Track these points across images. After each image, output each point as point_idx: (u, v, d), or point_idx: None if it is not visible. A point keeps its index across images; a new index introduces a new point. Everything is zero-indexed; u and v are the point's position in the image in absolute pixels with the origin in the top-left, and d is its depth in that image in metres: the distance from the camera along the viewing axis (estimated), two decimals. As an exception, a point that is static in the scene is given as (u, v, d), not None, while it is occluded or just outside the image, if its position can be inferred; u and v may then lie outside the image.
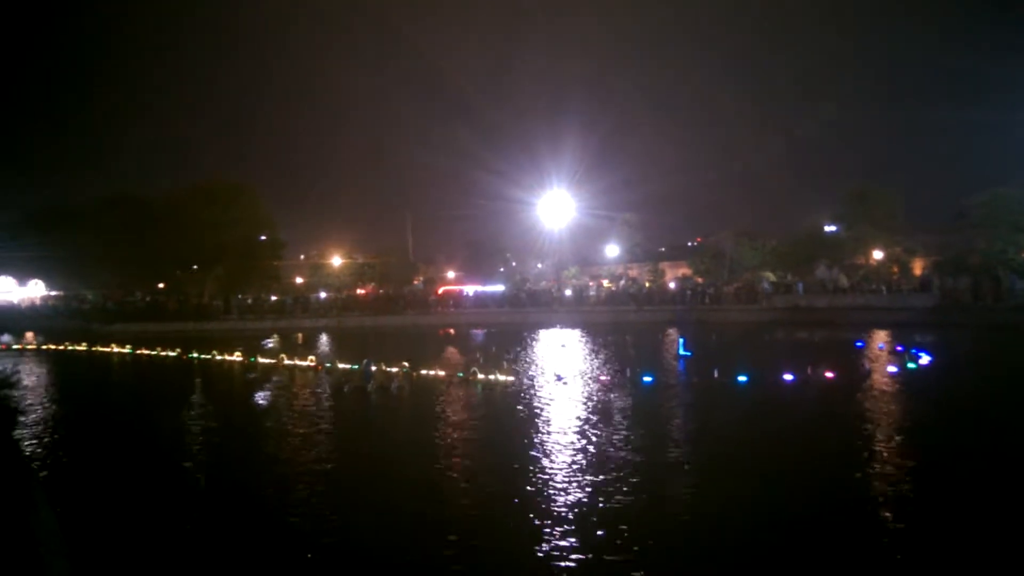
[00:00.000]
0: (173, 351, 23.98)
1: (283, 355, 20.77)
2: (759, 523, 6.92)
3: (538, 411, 12.51)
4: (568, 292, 42.40)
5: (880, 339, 23.98)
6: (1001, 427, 10.76)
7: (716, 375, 15.38)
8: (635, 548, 6.24)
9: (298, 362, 19.85)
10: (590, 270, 56.42)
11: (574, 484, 8.12)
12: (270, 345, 27.53)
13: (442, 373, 16.87)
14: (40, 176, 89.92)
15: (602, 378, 16.01)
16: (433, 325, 36.61)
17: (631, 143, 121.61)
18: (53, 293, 52.82)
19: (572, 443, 10.08)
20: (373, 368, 15.64)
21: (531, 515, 7.11)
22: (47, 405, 14.72)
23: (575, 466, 8.87)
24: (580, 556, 6.10)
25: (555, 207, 49.26)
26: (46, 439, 11.23)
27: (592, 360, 20.30)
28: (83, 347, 26.90)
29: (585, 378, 16.29)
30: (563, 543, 6.38)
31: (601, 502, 7.47)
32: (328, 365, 18.57)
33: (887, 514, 7.05)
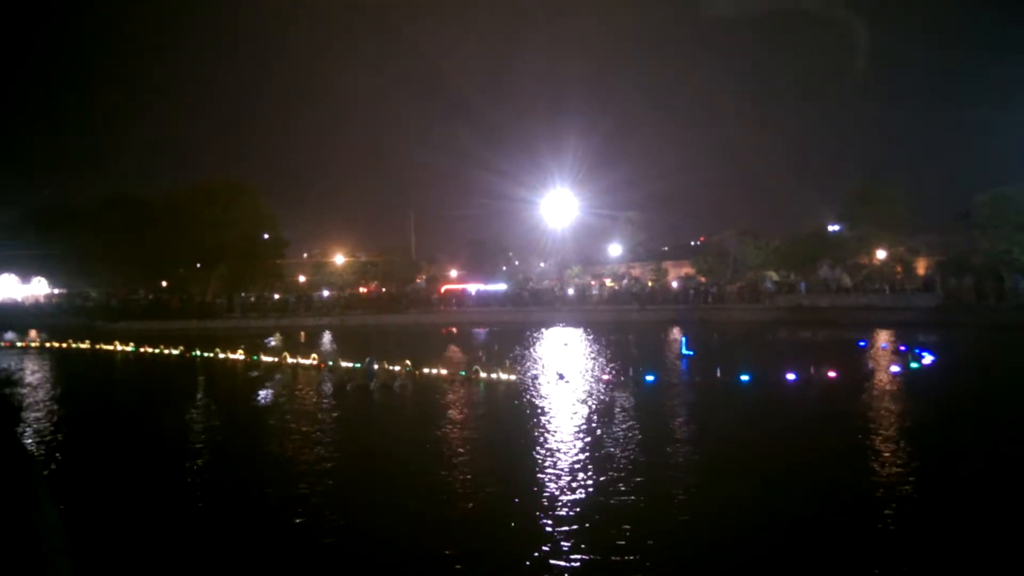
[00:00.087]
0: (176, 349, 24.06)
1: (286, 353, 20.80)
2: (760, 523, 6.92)
3: (540, 410, 12.51)
4: (571, 291, 42.41)
5: (883, 339, 23.93)
6: (1003, 427, 10.74)
7: (719, 374, 15.36)
8: (636, 548, 6.24)
9: (301, 360, 19.89)
10: (593, 269, 56.42)
11: (576, 483, 8.12)
12: (273, 343, 27.59)
13: (445, 372, 16.90)
14: (41, 176, 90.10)
15: (604, 377, 16.00)
16: (436, 324, 36.66)
17: (632, 142, 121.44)
18: (56, 291, 52.99)
19: (574, 442, 10.09)
20: (376, 367, 15.66)
21: (532, 514, 7.12)
22: (50, 403, 14.77)
23: (577, 465, 8.88)
24: (581, 556, 6.11)
25: (558, 206, 49.28)
26: (49, 436, 11.28)
27: (594, 359, 20.29)
28: (86, 345, 27.00)
29: (587, 377, 16.29)
30: (564, 543, 6.38)
31: (603, 501, 7.47)
32: (331, 363, 18.59)
33: (888, 514, 7.03)
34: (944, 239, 43.50)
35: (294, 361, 19.93)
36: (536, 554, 6.15)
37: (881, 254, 43.51)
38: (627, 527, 6.69)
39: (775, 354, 20.53)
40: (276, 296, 45.23)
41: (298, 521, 7.12)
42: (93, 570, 5.78)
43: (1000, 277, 32.30)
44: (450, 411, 12.96)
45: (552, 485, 8.08)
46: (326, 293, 46.57)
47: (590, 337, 27.51)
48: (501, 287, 45.98)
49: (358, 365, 16.82)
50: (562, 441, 10.18)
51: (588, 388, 14.68)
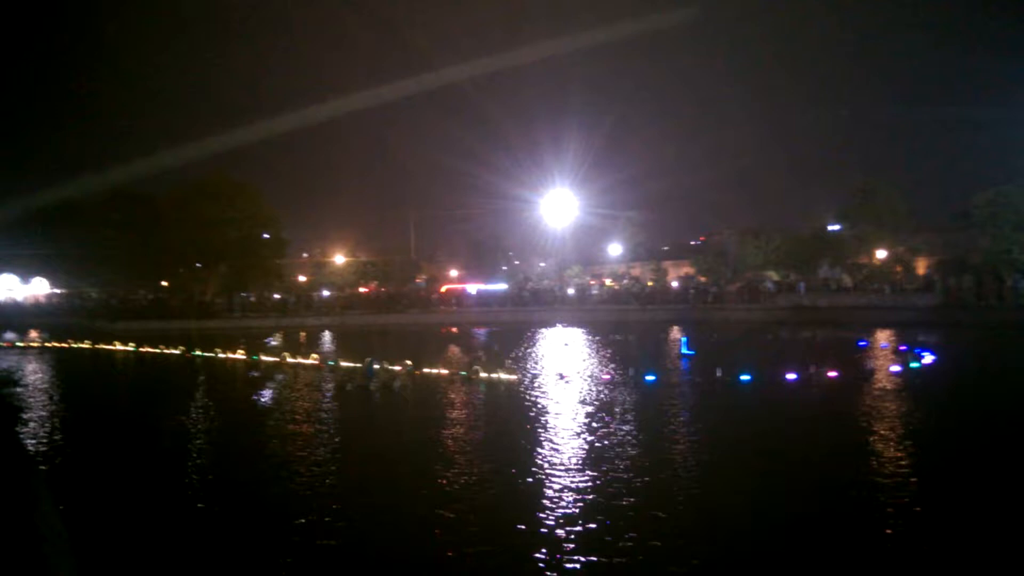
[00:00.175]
0: (176, 349, 24.06)
1: (286, 353, 20.79)
2: (761, 523, 6.91)
3: (540, 410, 12.51)
4: (571, 291, 42.42)
5: (883, 338, 23.94)
6: (1003, 427, 10.73)
7: (719, 374, 15.35)
8: (638, 549, 6.24)
9: (301, 360, 19.88)
10: (593, 269, 56.52)
11: (576, 483, 8.12)
12: (273, 343, 27.58)
13: (445, 371, 16.90)
14: (42, 175, 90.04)
15: (604, 377, 16.00)
16: (436, 323, 36.67)
17: (632, 142, 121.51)
18: (57, 291, 52.98)
19: (574, 442, 10.09)
20: (376, 366, 15.65)
21: (534, 515, 7.11)
22: (51, 403, 14.76)
23: (577, 465, 8.87)
24: (582, 556, 6.10)
25: (558, 206, 49.27)
26: (50, 436, 11.27)
27: (595, 359, 20.29)
28: (87, 345, 27.00)
29: (587, 377, 16.29)
30: (565, 543, 6.38)
31: (604, 502, 7.47)
32: (331, 363, 18.59)
33: (889, 514, 7.02)
34: (944, 239, 43.58)
35: (294, 361, 19.91)
36: (538, 555, 6.14)
37: (881, 254, 43.53)
38: (628, 528, 6.69)
39: (775, 354, 20.54)
40: (276, 296, 45.21)
41: (298, 521, 7.11)
42: (94, 570, 5.78)
43: (1000, 277, 32.33)
44: (450, 411, 12.95)
45: (553, 485, 8.08)
46: (326, 293, 46.56)
47: (590, 337, 27.51)
48: (501, 287, 45.99)
49: (358, 365, 16.82)
50: (562, 441, 10.18)
51: (588, 388, 14.68)
